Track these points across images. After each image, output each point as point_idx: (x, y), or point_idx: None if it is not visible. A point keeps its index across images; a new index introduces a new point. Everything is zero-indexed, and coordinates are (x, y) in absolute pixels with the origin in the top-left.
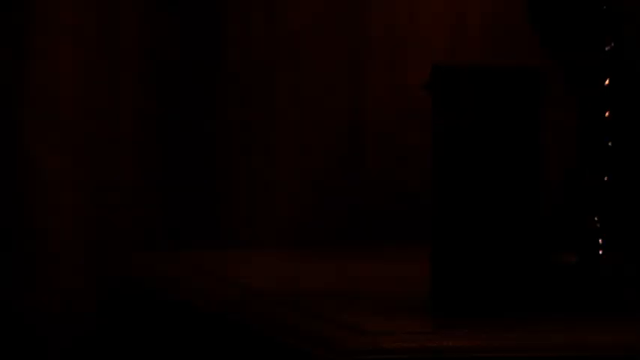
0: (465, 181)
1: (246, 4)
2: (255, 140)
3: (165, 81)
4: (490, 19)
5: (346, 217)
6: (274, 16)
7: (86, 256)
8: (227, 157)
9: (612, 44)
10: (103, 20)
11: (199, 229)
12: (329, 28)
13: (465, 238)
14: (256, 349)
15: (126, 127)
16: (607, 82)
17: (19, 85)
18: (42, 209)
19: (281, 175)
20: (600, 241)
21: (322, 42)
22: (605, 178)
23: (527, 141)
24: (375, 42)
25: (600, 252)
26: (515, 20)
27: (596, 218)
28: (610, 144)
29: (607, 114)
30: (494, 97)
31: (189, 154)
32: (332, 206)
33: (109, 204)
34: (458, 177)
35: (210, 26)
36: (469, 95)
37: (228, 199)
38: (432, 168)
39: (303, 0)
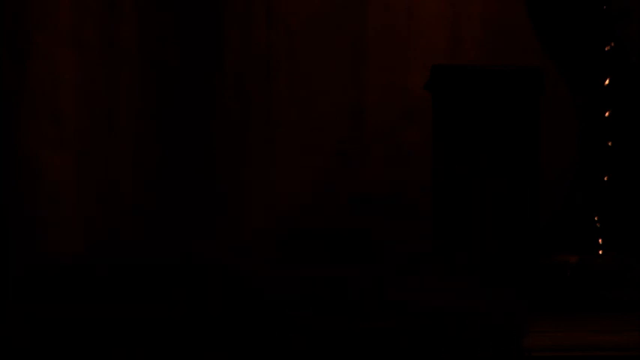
0: (465, 180)
1: (246, 4)
2: (255, 140)
3: (165, 81)
4: (490, 19)
5: (347, 216)
6: (274, 16)
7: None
8: (227, 156)
9: (612, 44)
10: (102, 20)
11: (199, 228)
12: (329, 29)
13: (465, 237)
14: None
15: (125, 126)
16: (607, 82)
17: (19, 85)
18: (42, 209)
19: (281, 175)
20: (600, 241)
21: (322, 42)
22: (605, 178)
23: (526, 140)
24: (374, 42)
25: (600, 252)
26: (515, 20)
27: (596, 218)
28: (610, 144)
29: (607, 114)
30: (494, 96)
31: (189, 153)
32: (332, 204)
33: (110, 202)
34: (458, 176)
35: (210, 26)
36: (469, 95)
37: (227, 198)
38: (432, 167)
39: (302, 0)
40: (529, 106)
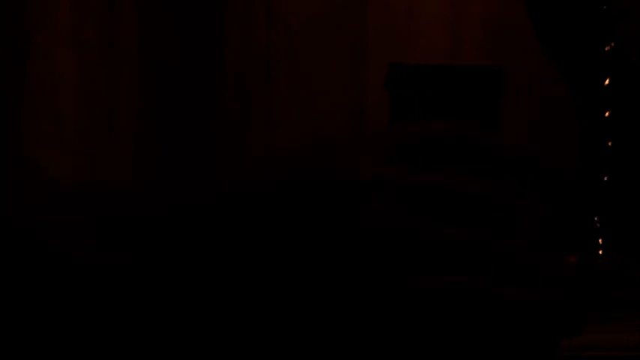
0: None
1: (246, 4)
2: (255, 139)
3: (165, 81)
4: (490, 19)
5: None
6: (274, 16)
7: None
8: (227, 156)
9: (612, 44)
10: (102, 20)
11: None
12: (328, 29)
13: None
14: None
15: (125, 126)
16: (607, 82)
17: (19, 85)
18: (41, 209)
19: None
20: (600, 241)
21: (322, 42)
22: (605, 178)
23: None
24: (374, 42)
25: (600, 252)
26: (515, 20)
27: (596, 218)
28: (610, 144)
29: (607, 114)
30: (453, 95)
31: (189, 153)
32: None
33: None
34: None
35: (210, 26)
36: (426, 93)
37: None
38: None
39: (302, 0)
40: (488, 106)
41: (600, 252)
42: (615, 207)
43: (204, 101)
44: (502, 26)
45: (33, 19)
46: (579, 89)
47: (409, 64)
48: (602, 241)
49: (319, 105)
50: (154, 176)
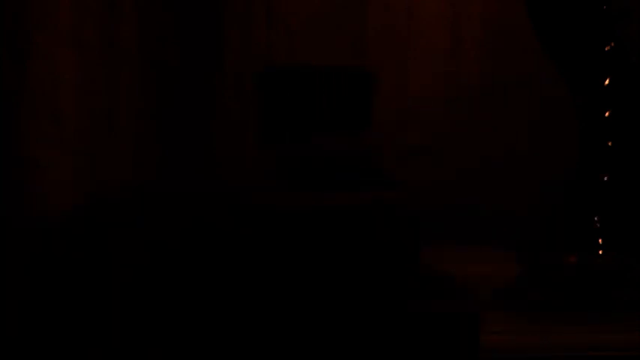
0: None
1: (246, 4)
2: (255, 139)
3: (165, 81)
4: (490, 19)
5: None
6: (274, 16)
7: None
8: (227, 156)
9: (612, 44)
10: (102, 20)
11: None
12: (329, 29)
13: None
14: None
15: (125, 126)
16: (607, 82)
17: (19, 85)
18: (41, 209)
19: None
20: (600, 241)
21: (322, 42)
22: (605, 178)
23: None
24: (374, 42)
25: (600, 252)
26: (515, 20)
27: (596, 218)
28: (610, 144)
29: (607, 114)
30: (323, 97)
31: (189, 153)
32: None
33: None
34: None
35: (210, 26)
36: (297, 96)
37: None
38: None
39: (302, 0)
40: (358, 108)
41: (600, 252)
42: (615, 207)
43: (204, 101)
44: (502, 26)
45: (33, 19)
46: (579, 89)
47: (277, 67)
48: (602, 241)
49: None
50: (154, 176)
